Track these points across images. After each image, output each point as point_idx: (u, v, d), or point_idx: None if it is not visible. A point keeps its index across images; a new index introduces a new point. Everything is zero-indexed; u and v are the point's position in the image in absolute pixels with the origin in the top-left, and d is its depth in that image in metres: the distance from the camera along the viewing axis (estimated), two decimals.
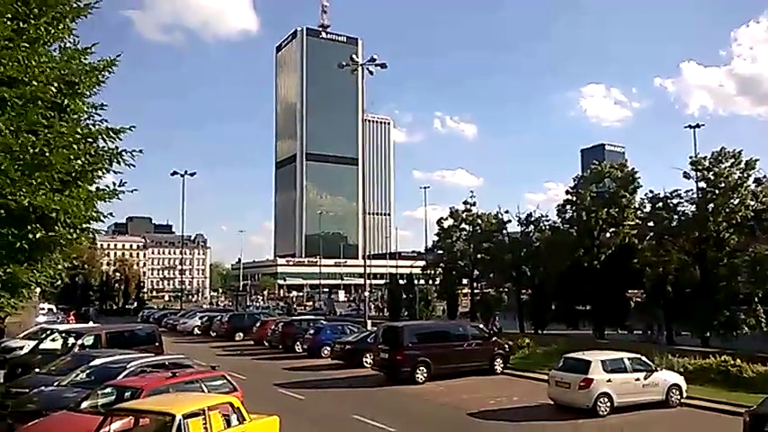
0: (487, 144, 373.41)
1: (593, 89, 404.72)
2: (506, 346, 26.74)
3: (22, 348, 25.60)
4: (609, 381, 17.36)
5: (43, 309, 50.71)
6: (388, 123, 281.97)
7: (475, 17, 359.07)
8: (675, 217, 36.75)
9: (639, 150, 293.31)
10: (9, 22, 9.86)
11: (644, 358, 18.90)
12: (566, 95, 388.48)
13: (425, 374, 23.03)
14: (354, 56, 42.64)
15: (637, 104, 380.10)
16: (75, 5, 12.03)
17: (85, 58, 12.27)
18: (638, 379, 17.97)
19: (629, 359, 18.43)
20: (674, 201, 36.55)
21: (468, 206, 52.36)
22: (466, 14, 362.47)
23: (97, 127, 12.33)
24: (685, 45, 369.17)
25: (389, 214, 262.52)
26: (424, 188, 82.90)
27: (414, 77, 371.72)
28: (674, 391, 18.49)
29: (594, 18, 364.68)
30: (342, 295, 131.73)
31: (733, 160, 34.41)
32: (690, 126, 47.55)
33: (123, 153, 12.34)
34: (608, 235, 40.52)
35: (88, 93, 12.45)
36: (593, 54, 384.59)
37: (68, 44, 12.19)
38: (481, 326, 30.35)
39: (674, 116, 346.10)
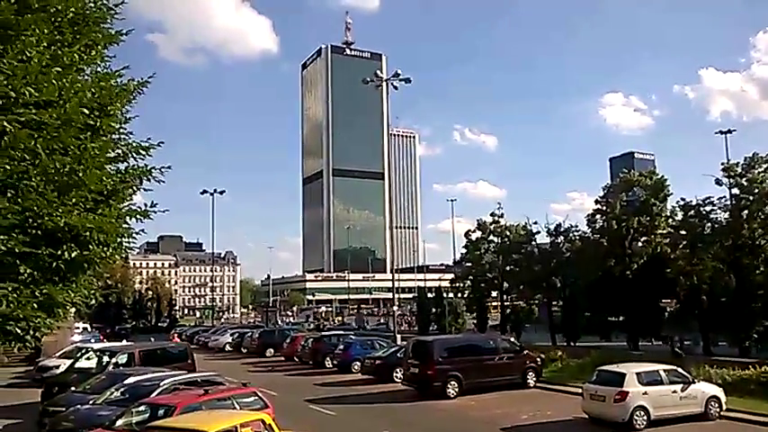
0: (508, 155, 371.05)
1: (611, 98, 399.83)
2: (538, 359, 26.37)
3: (58, 367, 26.12)
4: (645, 393, 16.96)
5: (78, 328, 51.56)
6: (413, 137, 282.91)
7: (490, 29, 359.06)
8: (708, 224, 36.08)
9: (665, 157, 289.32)
10: (45, 50, 10.20)
11: (680, 370, 18.42)
12: (584, 104, 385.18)
13: (457, 389, 22.77)
14: (378, 71, 42.99)
15: (657, 112, 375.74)
16: (107, 33, 12.39)
17: (116, 81, 12.59)
18: (675, 391, 17.49)
19: (665, 371, 17.99)
20: (707, 208, 35.90)
21: (496, 218, 52.01)
22: (481, 27, 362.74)
23: (127, 145, 12.58)
24: (702, 52, 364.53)
25: (416, 228, 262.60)
26: (451, 201, 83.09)
27: (431, 90, 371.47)
28: (712, 403, 18.00)
29: (607, 28, 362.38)
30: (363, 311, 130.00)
31: (766, 165, 33.77)
32: (720, 132, 46.56)
33: (152, 170, 12.58)
34: (639, 244, 39.88)
35: (120, 114, 12.76)
36: (609, 63, 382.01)
37: (100, 69, 12.54)
38: (512, 339, 29.94)
39: (697, 122, 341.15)
